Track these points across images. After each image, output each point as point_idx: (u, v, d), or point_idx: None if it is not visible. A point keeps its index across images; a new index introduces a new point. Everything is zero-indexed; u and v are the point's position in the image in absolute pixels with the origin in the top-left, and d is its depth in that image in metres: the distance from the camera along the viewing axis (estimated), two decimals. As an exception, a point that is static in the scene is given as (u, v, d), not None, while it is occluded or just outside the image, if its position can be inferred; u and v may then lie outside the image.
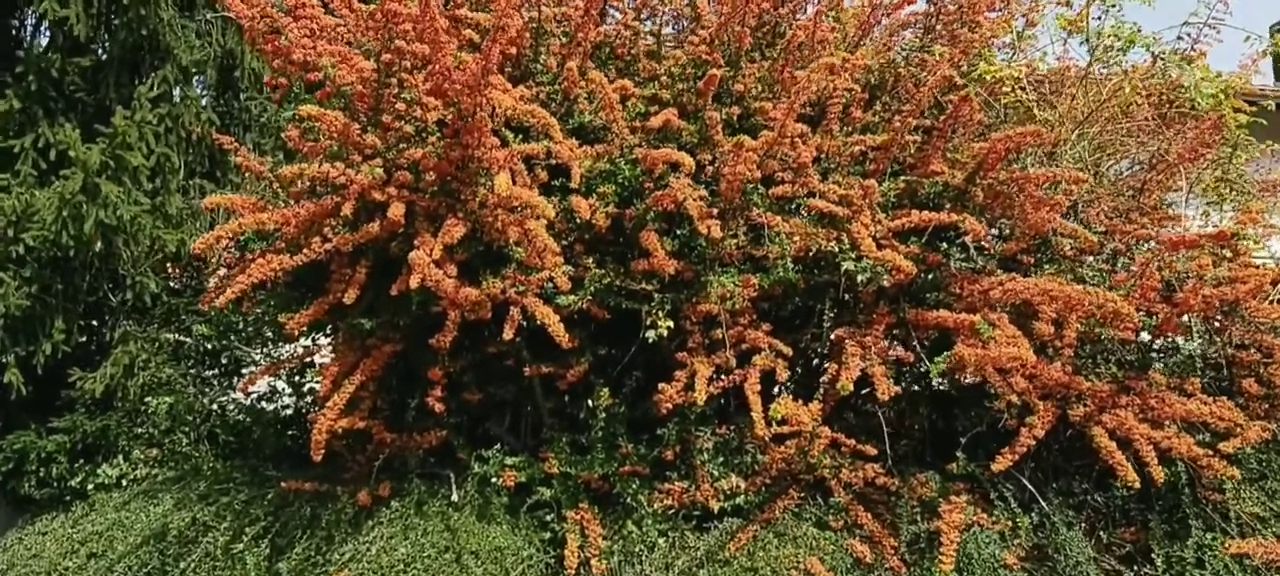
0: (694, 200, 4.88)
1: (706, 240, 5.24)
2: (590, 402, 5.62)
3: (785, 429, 5.08)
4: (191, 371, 7.52)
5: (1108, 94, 5.55)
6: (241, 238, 5.18)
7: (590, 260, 5.31)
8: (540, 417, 5.73)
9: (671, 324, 5.01)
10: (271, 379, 7.51)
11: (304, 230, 4.99)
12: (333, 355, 5.08)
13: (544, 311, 4.69)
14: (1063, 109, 5.71)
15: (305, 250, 4.77)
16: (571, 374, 5.25)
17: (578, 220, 5.26)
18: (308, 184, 4.84)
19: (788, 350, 5.11)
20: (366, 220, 4.92)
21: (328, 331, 5.97)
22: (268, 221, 4.69)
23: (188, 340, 6.69)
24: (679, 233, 5.52)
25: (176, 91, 6.70)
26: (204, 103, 6.86)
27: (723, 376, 5.19)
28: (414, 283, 4.36)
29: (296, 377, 6.75)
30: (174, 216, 6.48)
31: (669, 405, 5.08)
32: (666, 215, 5.32)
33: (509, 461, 5.50)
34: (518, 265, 5.12)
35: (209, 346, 7.56)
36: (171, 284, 7.20)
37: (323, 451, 4.84)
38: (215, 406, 7.39)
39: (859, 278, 4.87)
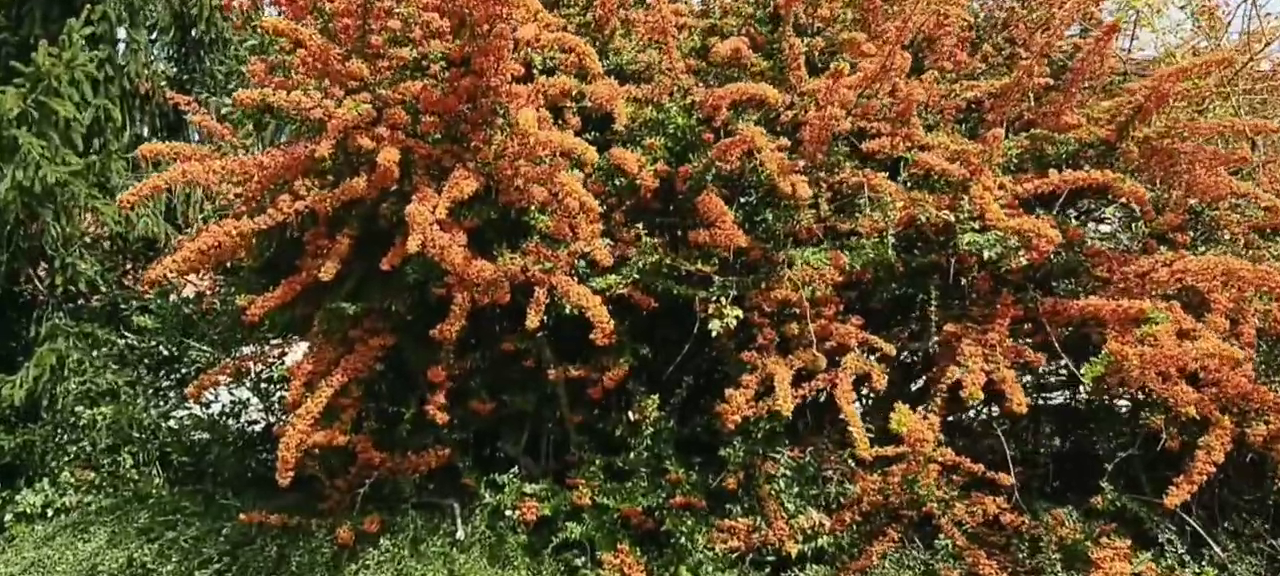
0: (771, 151, 3.93)
1: (784, 210, 4.34)
2: (631, 415, 4.70)
3: (888, 450, 4.12)
4: (142, 379, 6.55)
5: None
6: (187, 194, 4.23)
7: (633, 232, 4.36)
8: (566, 434, 4.81)
9: (738, 313, 4.05)
10: (238, 388, 6.56)
11: (269, 186, 4.04)
12: (307, 351, 4.12)
13: (580, 293, 3.77)
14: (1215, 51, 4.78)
15: (270, 211, 3.81)
16: (608, 378, 4.32)
17: (617, 182, 4.33)
18: (279, 125, 3.88)
19: (889, 349, 4.16)
20: (350, 174, 3.98)
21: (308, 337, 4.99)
22: (219, 173, 3.74)
23: (131, 338, 5.73)
24: (743, 201, 4.58)
25: (122, 34, 5.76)
26: (156, 51, 5.90)
27: (805, 382, 4.24)
28: (412, 246, 3.45)
29: (265, 385, 5.79)
30: (117, 186, 5.52)
31: (736, 419, 4.12)
32: (728, 179, 4.38)
33: (528, 489, 4.57)
34: (542, 237, 4.18)
35: (166, 351, 6.59)
36: (113, 269, 6.21)
37: (291, 473, 3.94)
38: (170, 422, 6.42)
39: (985, 254, 3.93)
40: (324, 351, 4.35)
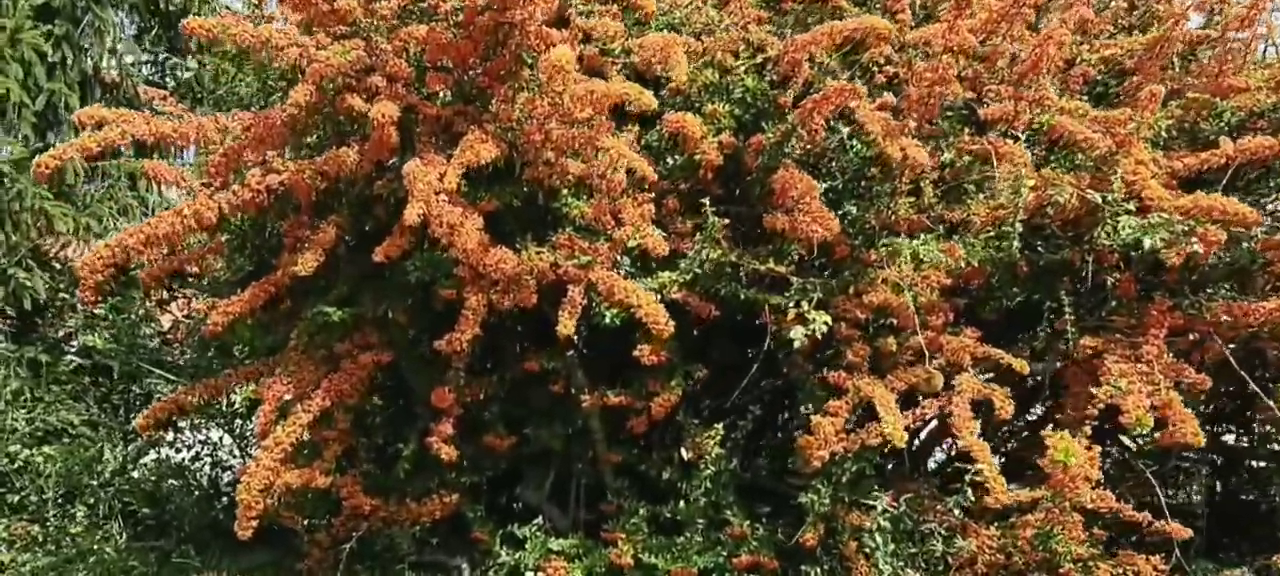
0: (870, 111, 3.15)
1: (877, 197, 3.55)
2: (683, 452, 3.91)
3: (1023, 496, 3.28)
4: (100, 417, 5.76)
5: None
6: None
7: (689, 223, 3.57)
8: (601, 477, 4.00)
9: (827, 320, 3.24)
10: (212, 428, 5.79)
11: (238, 162, 3.27)
12: (281, 369, 3.33)
13: (628, 289, 3.01)
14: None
15: (236, 188, 3.05)
16: (656, 405, 3.54)
17: (671, 159, 3.56)
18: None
19: (1020, 365, 3.35)
20: (337, 142, 3.21)
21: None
22: (171, 135, 2.98)
23: (79, 360, 4.94)
24: (826, 188, 3.79)
25: (85, 13, 5.05)
26: (126, 32, 5.18)
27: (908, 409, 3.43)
28: (412, 216, 2.71)
29: (238, 421, 5.00)
30: (74, 188, 4.78)
31: (821, 455, 3.30)
32: (803, 160, 3.61)
33: (555, 545, 3.82)
34: (576, 227, 3.39)
35: (136, 388, 5.81)
36: (68, 288, 5.45)
37: (255, 523, 3.09)
38: (135, 468, 5.64)
39: (1146, 243, 3.11)
40: (303, 370, 3.58)
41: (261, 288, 3.56)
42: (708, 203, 3.66)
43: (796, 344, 3.40)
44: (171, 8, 5.82)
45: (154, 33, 6.01)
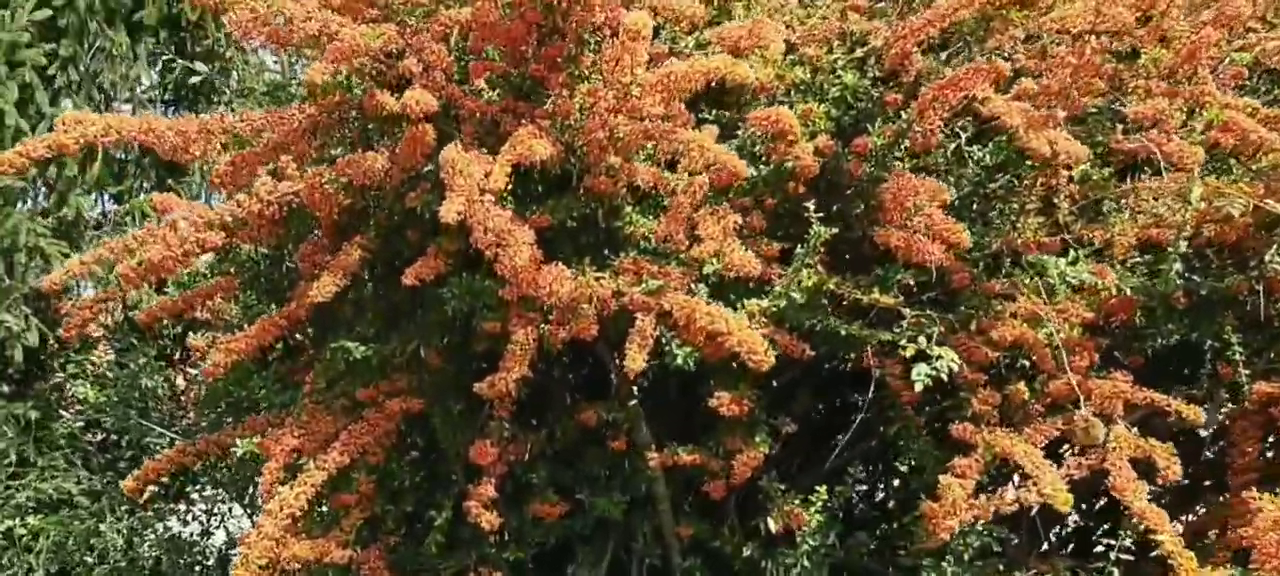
0: (1005, 102, 2.65)
1: (1002, 216, 3.03)
2: (771, 525, 3.31)
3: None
4: (101, 487, 5.26)
5: None
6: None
7: (776, 246, 3.06)
8: (667, 553, 3.38)
9: (954, 358, 2.68)
10: (223, 499, 5.30)
11: (247, 172, 2.81)
12: (293, 418, 2.82)
13: (714, 317, 2.47)
14: None
15: (241, 199, 2.57)
16: (740, 465, 2.97)
17: (757, 170, 3.07)
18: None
19: (1195, 415, 2.76)
20: (363, 144, 2.74)
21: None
22: (169, 139, 2.52)
23: (79, 419, 4.46)
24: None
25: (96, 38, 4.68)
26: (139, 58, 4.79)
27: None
28: (450, 213, 2.22)
29: (254, 488, 4.49)
30: (75, 223, 4.35)
31: (949, 527, 2.75)
32: (915, 173, 3.11)
33: None
34: (641, 250, 2.89)
35: (149, 456, 5.30)
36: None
37: (254, 603, 2.54)
38: (142, 541, 5.15)
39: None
40: (318, 420, 3.07)
41: (272, 322, 3.07)
42: (807, 212, 3.13)
43: (918, 386, 2.84)
44: (183, 22, 5.45)
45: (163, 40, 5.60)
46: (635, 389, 3.33)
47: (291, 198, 2.81)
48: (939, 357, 2.84)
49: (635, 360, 2.65)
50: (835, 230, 2.94)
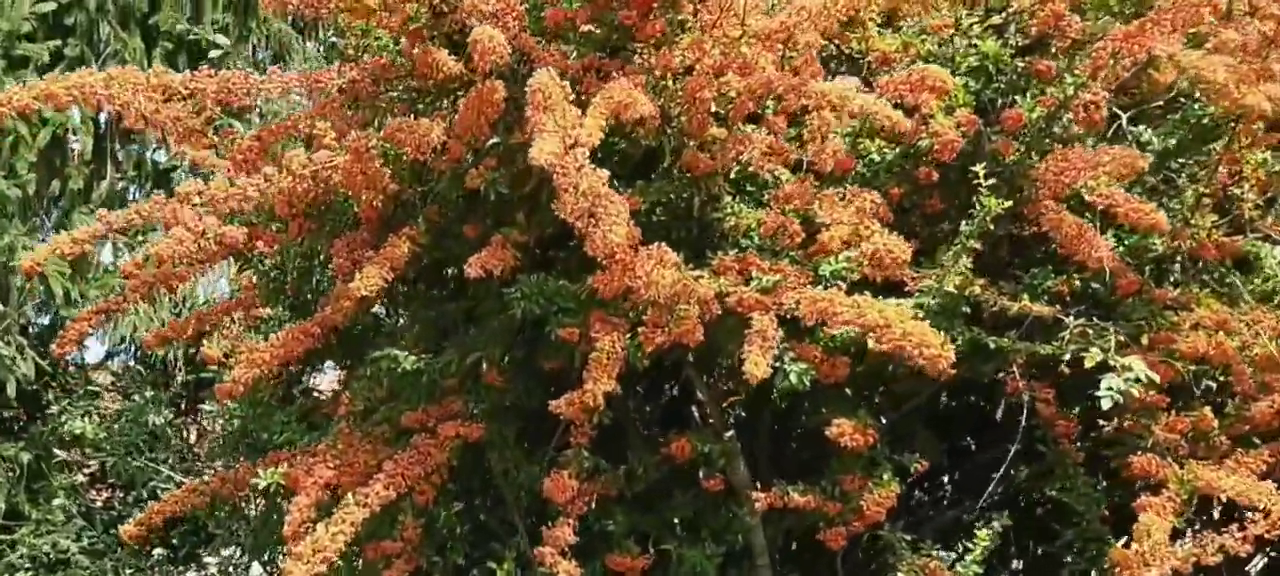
0: (1199, 55, 2.20)
1: (1184, 202, 2.62)
2: (901, 582, 2.84)
3: None
4: (103, 542, 4.80)
5: None
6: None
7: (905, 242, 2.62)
8: (767, 618, 2.91)
9: (1145, 368, 2.19)
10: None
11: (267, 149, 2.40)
12: (325, 446, 2.36)
13: (868, 311, 1.98)
14: None
15: (266, 173, 2.13)
16: (870, 506, 2.49)
17: (873, 150, 2.66)
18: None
19: None
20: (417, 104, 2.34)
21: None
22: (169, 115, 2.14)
23: (66, 458, 4.00)
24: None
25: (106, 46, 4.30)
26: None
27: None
28: (543, 155, 1.78)
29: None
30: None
31: (1143, 581, 2.25)
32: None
33: None
34: (743, 246, 2.43)
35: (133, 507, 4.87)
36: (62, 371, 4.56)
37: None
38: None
39: None
40: (354, 449, 2.58)
41: (304, 331, 2.61)
42: (975, 178, 2.66)
43: (1106, 403, 2.33)
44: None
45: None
46: (737, 416, 2.85)
47: (329, 170, 2.36)
48: (1128, 369, 2.33)
49: (759, 365, 2.17)
50: (1008, 202, 2.46)
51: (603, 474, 2.81)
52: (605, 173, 2.03)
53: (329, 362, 4.62)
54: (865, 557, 3.30)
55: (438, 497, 2.86)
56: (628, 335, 2.48)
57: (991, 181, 2.78)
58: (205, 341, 2.86)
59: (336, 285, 2.69)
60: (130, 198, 4.75)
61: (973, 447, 3.91)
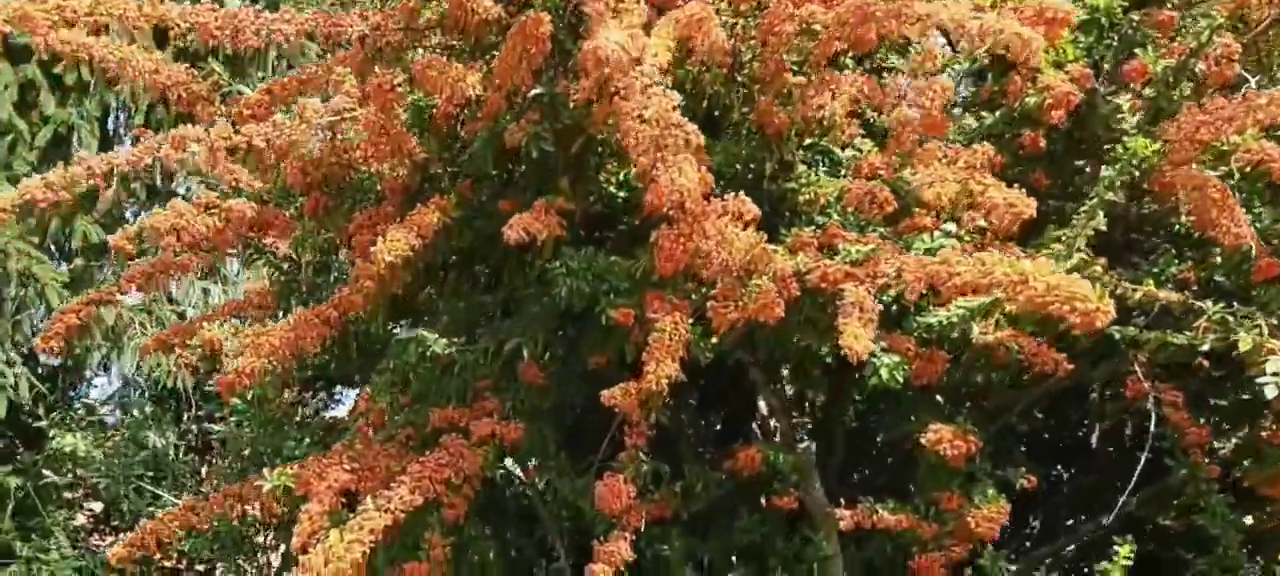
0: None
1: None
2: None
3: None
4: None
5: None
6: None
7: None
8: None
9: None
10: None
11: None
12: (340, 447, 2.03)
13: (1017, 276, 1.64)
14: None
15: (277, 127, 1.85)
16: (981, 524, 2.28)
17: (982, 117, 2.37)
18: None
19: None
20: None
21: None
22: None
23: (61, 485, 3.69)
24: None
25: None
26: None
27: None
28: (606, 47, 1.40)
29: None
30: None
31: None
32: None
33: None
34: (826, 216, 2.15)
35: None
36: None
37: None
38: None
39: None
40: (373, 453, 2.24)
41: (318, 316, 2.29)
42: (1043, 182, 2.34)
43: (1271, 391, 1.97)
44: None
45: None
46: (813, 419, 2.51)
47: (346, 116, 2.06)
48: (1292, 354, 1.98)
49: (859, 338, 1.83)
50: (1155, 145, 2.13)
51: (662, 483, 2.46)
52: (676, 96, 1.72)
53: (343, 391, 4.34)
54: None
55: (468, 514, 2.52)
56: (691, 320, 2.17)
57: (1109, 148, 2.46)
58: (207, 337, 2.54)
59: (356, 266, 2.38)
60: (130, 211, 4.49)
61: (1063, 475, 3.56)
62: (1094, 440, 3.46)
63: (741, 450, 2.58)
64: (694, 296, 2.26)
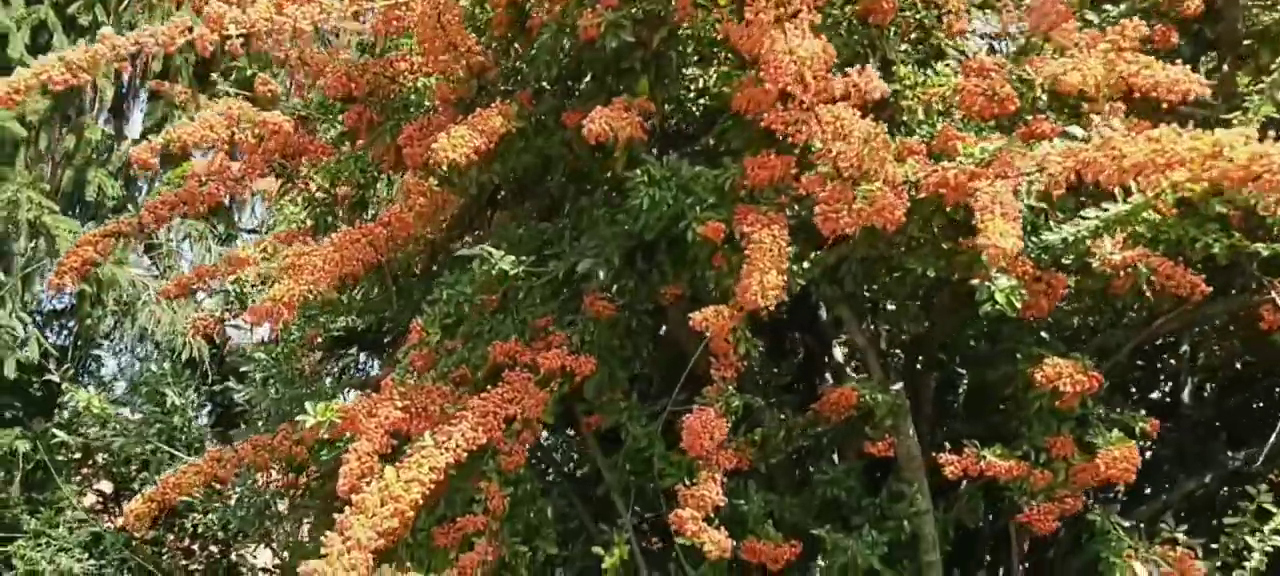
0: None
1: None
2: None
3: None
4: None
5: None
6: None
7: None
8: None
9: None
10: None
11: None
12: (395, 381, 1.80)
13: (1181, 148, 1.40)
14: None
15: (308, 8, 1.60)
16: (1108, 466, 2.05)
17: None
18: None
19: None
20: None
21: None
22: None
23: (75, 451, 3.45)
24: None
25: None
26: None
27: None
28: None
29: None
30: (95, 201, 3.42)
31: None
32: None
33: None
34: (931, 123, 1.95)
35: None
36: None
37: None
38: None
39: None
40: (426, 393, 1.99)
41: (365, 236, 2.04)
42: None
43: None
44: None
45: None
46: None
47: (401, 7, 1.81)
48: None
49: (1007, 235, 1.56)
50: None
51: (753, 418, 2.21)
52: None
53: (370, 360, 4.08)
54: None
55: (529, 465, 2.27)
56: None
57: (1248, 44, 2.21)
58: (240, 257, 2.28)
59: (407, 182, 2.13)
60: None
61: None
62: (1186, 395, 3.22)
63: (831, 391, 2.33)
64: (789, 211, 2.02)
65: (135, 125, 4.39)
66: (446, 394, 2.15)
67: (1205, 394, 3.22)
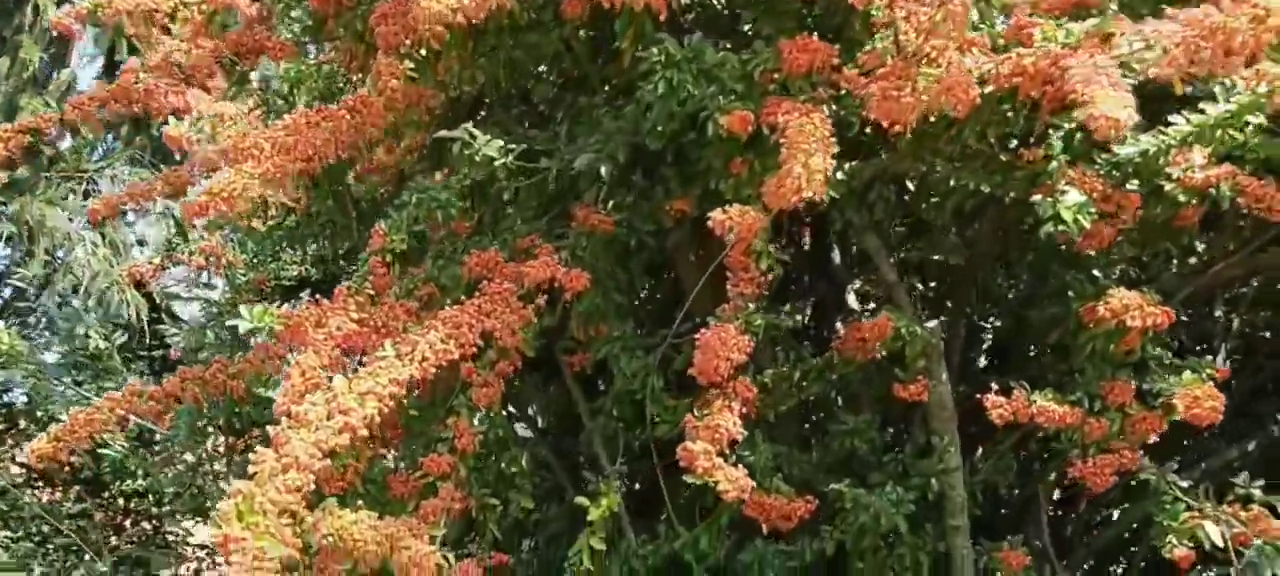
0: None
1: None
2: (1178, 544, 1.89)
3: None
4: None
5: None
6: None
7: None
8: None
9: None
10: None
11: None
12: (350, 288, 1.44)
13: None
14: None
15: None
16: (1188, 407, 1.78)
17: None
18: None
19: None
20: None
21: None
22: None
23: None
24: None
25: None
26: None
27: None
28: None
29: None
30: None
31: None
32: None
33: None
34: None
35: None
36: None
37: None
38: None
39: None
40: (386, 309, 1.66)
41: (321, 118, 1.71)
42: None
43: None
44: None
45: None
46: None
47: None
48: None
49: (1114, 103, 1.27)
50: None
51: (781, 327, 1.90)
52: None
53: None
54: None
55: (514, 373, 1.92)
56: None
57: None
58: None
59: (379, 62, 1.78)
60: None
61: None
62: (1220, 359, 2.95)
63: (856, 326, 2.03)
64: (827, 104, 1.71)
65: (81, 55, 4.00)
66: (412, 310, 1.82)
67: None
